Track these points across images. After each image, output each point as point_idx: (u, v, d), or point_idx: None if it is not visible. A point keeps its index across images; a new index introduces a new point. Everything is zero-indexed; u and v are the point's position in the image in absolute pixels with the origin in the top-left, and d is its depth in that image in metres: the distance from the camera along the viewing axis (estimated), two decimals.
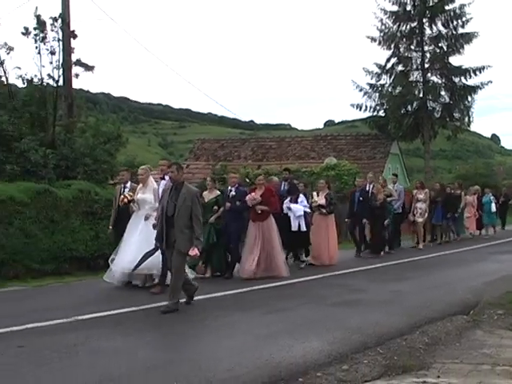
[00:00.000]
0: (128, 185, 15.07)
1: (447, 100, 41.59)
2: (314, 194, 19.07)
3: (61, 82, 23.75)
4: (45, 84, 23.82)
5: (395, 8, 41.51)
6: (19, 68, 23.94)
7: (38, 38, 23.34)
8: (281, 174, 20.05)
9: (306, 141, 41.84)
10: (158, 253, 12.72)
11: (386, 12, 41.49)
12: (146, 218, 13.59)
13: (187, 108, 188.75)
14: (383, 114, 41.75)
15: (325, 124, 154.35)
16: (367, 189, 20.86)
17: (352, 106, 42.14)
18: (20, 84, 24.78)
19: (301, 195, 17.81)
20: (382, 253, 21.20)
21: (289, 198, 17.55)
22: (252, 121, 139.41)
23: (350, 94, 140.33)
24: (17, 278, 15.54)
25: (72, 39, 23.71)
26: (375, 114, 42.08)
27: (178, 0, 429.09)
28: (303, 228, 17.49)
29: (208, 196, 15.87)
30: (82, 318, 10.43)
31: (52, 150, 21.72)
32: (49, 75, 23.65)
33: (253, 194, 15.62)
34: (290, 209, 17.33)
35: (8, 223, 15.89)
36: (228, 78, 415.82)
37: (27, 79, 23.88)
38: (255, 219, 15.62)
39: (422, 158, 49.00)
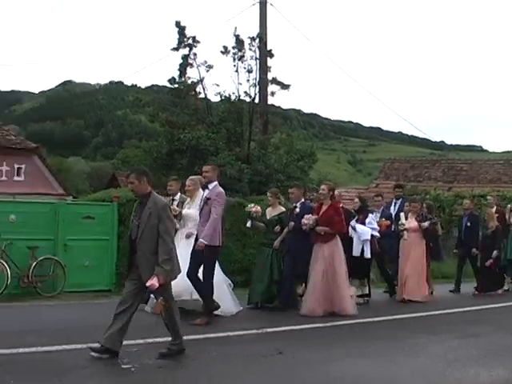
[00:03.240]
0: (177, 197, 13.22)
1: None
2: (402, 215, 15.99)
3: (256, 100, 24.49)
4: (241, 101, 24.65)
5: None
6: (217, 85, 24.96)
7: (236, 56, 24.25)
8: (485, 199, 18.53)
9: (499, 164, 40.64)
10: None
11: None
12: (188, 237, 12.22)
13: (377, 126, 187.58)
14: None
15: None
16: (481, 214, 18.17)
17: None
18: (217, 100, 25.81)
19: (370, 215, 15.26)
20: (499, 291, 17.64)
21: (355, 218, 14.97)
22: (442, 141, 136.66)
23: None
24: None
25: (269, 58, 24.37)
26: None
27: (370, 19, 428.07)
28: (367, 255, 14.68)
29: (270, 213, 13.77)
30: (270, 331, 10.76)
31: (247, 165, 22.43)
32: (245, 92, 24.51)
33: (307, 216, 12.94)
34: (354, 229, 14.67)
35: None
36: (419, 97, 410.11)
37: (225, 96, 24.81)
38: (316, 240, 12.98)
39: None
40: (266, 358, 8.80)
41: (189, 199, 12.61)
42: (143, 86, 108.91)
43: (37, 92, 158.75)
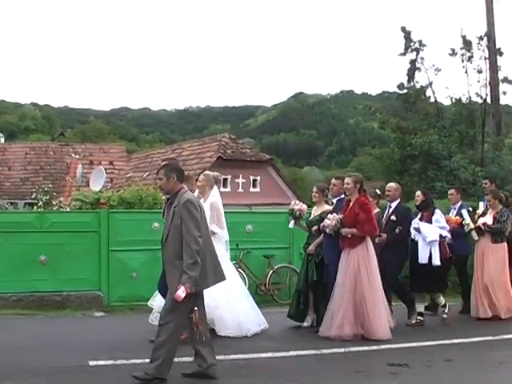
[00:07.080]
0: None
1: None
2: (464, 212, 12.52)
3: (488, 100, 23.98)
4: (472, 102, 24.25)
5: None
6: (447, 88, 24.73)
7: (464, 57, 24.11)
8: None
9: None
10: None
11: None
12: None
13: None
14: None
15: None
16: None
17: None
18: (447, 103, 25.59)
19: (437, 211, 11.99)
20: None
21: (419, 216, 11.94)
22: None
23: None
24: None
25: (498, 56, 23.84)
26: None
27: None
28: (435, 261, 11.47)
29: (314, 213, 11.60)
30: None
31: (481, 168, 22.02)
32: (476, 94, 24.14)
33: (330, 215, 10.64)
34: (418, 230, 11.71)
35: None
36: None
37: (455, 98, 24.52)
38: (343, 244, 10.52)
39: None
40: (501, 364, 8.67)
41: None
42: (373, 94, 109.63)
43: (269, 105, 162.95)
